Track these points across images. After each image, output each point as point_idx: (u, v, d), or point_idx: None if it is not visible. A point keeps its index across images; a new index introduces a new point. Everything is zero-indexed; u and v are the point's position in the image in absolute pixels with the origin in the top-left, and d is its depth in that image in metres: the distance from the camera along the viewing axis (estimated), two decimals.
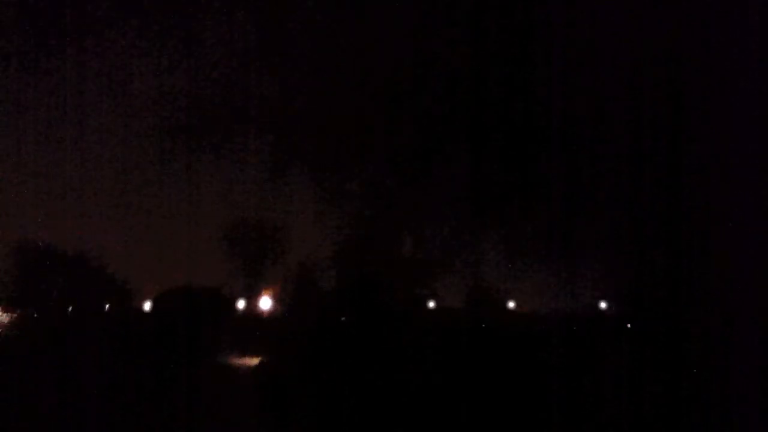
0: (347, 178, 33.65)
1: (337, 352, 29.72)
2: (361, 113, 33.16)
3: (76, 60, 33.79)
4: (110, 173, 34.65)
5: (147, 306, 32.47)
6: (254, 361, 30.93)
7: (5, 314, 31.90)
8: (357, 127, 33.21)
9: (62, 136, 33.76)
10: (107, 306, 31.87)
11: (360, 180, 33.77)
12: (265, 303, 32.54)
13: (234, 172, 33.79)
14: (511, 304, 34.77)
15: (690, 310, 32.24)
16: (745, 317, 30.60)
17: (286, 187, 33.38)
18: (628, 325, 33.62)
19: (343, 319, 32.02)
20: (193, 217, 32.65)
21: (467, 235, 33.86)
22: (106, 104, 34.60)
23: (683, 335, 31.52)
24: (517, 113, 33.03)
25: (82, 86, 33.75)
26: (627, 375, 29.96)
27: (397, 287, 32.91)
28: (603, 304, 35.01)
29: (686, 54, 32.00)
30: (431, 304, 33.80)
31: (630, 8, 31.93)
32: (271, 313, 32.66)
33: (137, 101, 34.68)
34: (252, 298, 32.89)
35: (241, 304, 32.67)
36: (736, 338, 30.19)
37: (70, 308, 31.40)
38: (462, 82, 32.93)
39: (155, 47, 34.41)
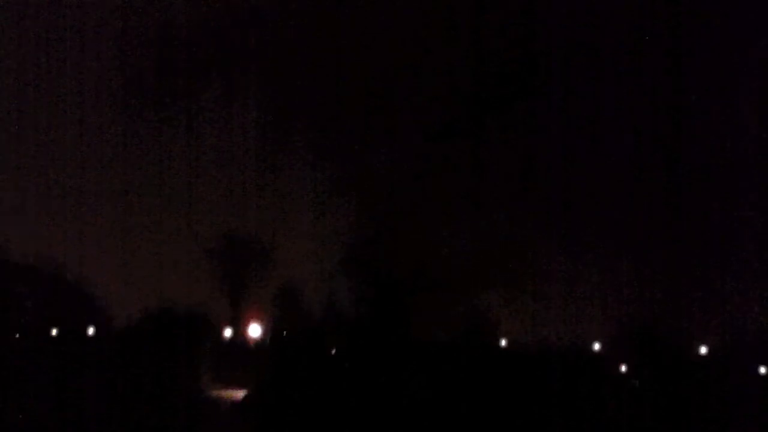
0: (348, 172, 32.08)
1: (330, 385, 29.03)
2: (366, 97, 31.94)
3: None
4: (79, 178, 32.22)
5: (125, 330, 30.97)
6: (239, 393, 30.13)
7: None
8: (360, 110, 32.03)
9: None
10: (91, 329, 30.68)
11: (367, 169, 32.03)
12: (254, 330, 31.45)
13: (221, 171, 32.32)
14: (503, 342, 33.84)
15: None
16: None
17: (278, 190, 32.10)
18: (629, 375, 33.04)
19: (335, 351, 31.16)
20: (174, 229, 31.20)
21: (468, 251, 32.83)
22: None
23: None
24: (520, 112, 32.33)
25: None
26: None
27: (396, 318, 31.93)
28: (597, 346, 34.30)
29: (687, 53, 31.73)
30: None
31: (631, 8, 31.68)
32: (261, 341, 31.62)
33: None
34: (239, 324, 31.74)
35: (227, 332, 31.49)
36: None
37: (52, 331, 30.36)
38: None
39: None
